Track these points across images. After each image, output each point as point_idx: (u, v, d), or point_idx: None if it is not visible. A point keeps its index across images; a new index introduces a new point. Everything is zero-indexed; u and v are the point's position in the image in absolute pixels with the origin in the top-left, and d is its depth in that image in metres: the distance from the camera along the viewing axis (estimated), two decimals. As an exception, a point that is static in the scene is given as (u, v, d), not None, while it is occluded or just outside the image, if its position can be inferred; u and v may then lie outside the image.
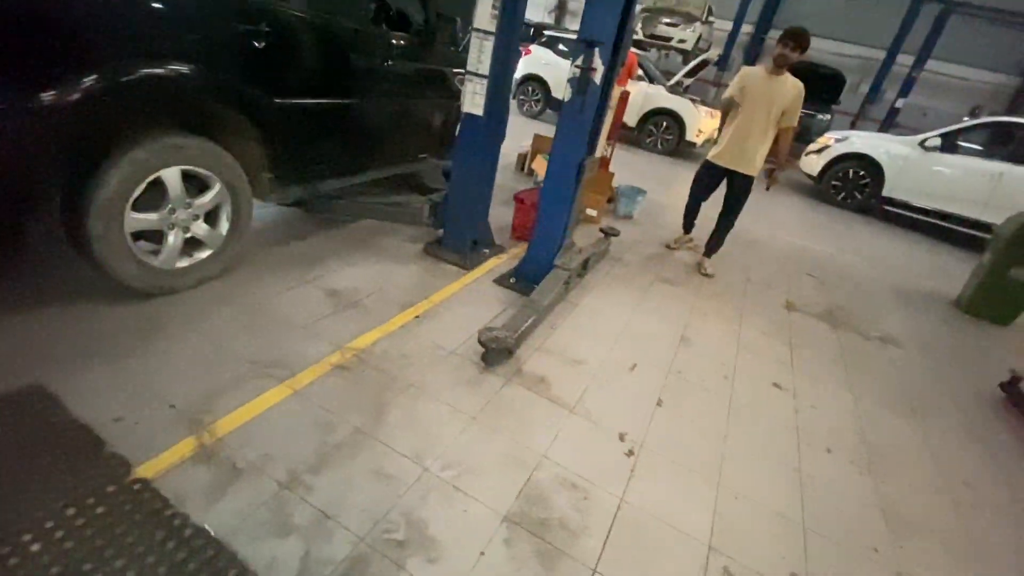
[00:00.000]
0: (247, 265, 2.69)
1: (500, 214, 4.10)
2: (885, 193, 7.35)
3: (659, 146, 9.15)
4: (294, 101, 2.56)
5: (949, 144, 6.98)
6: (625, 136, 8.72)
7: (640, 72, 8.75)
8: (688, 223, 4.49)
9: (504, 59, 2.89)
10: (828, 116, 10.82)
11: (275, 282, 2.64)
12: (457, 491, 1.69)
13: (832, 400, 2.79)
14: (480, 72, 2.86)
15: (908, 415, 2.82)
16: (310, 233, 3.30)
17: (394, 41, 3.30)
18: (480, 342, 2.27)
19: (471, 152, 3.09)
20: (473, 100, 2.96)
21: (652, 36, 11.80)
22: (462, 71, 2.99)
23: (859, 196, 7.66)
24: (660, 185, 6.41)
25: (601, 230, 4.08)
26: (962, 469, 2.46)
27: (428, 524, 1.55)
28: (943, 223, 7.13)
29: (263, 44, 2.27)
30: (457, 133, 3.09)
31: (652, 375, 2.61)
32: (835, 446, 2.40)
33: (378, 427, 1.88)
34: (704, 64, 9.43)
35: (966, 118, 7.41)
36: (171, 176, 2.10)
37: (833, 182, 7.81)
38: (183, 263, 2.32)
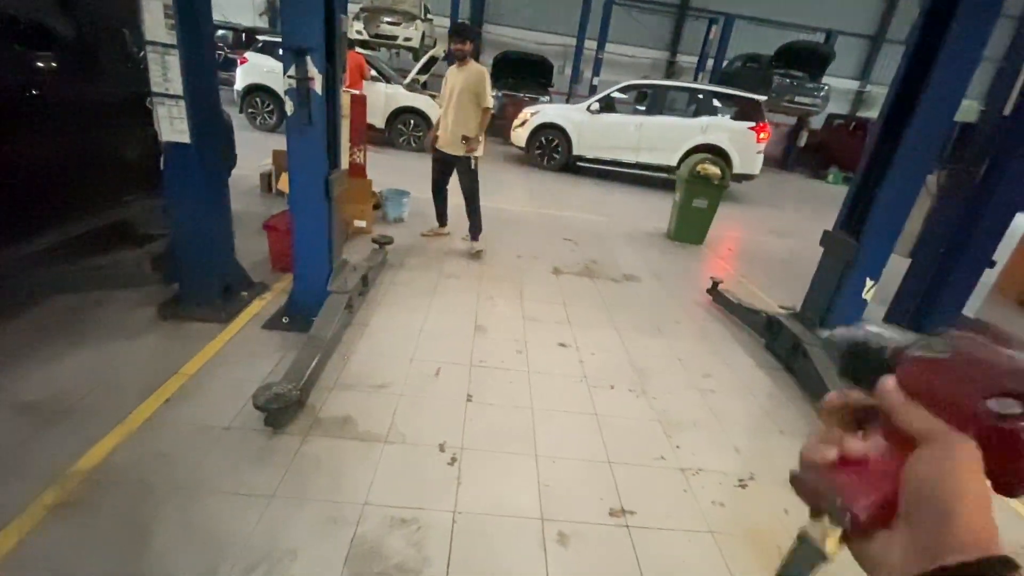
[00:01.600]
0: None
1: (253, 246, 3.61)
2: (575, 152, 8.96)
3: (412, 144, 9.25)
4: None
5: (606, 106, 8.84)
6: (376, 138, 8.57)
7: (374, 72, 8.65)
8: (440, 214, 4.77)
9: (199, 72, 2.47)
10: (548, 98, 12.42)
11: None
12: (270, 591, 1.43)
13: (604, 341, 3.24)
14: (171, 92, 2.39)
15: (656, 334, 3.46)
16: (-33, 335, 2.38)
17: (39, 64, 2.53)
18: (257, 407, 1.95)
19: (188, 185, 2.59)
20: (173, 126, 2.47)
21: (378, 36, 11.76)
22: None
23: (557, 157, 9.15)
24: (422, 181, 6.47)
25: (373, 240, 3.93)
26: (701, 364, 3.14)
27: (240, 650, 1.28)
28: (619, 169, 9.04)
29: None
30: (162, 166, 2.55)
31: (457, 374, 2.64)
32: (615, 381, 2.80)
33: (143, 561, 1.47)
34: (434, 60, 9.79)
35: (626, 83, 9.72)
36: None
37: (536, 150, 9.20)
38: None
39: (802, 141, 14.99)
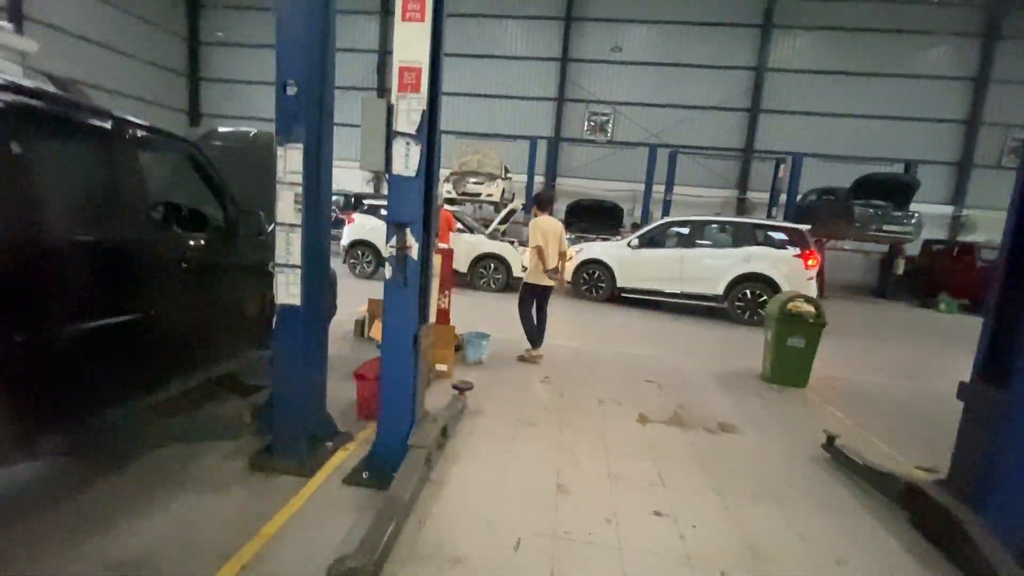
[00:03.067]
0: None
1: (342, 391, 3.75)
2: (619, 284, 9.48)
3: (492, 285, 9.81)
4: (43, 333, 2.07)
5: (646, 242, 9.44)
6: (459, 281, 9.18)
7: (460, 225, 9.63)
8: (534, 338, 5.50)
9: (315, 245, 2.83)
10: (619, 237, 13.00)
11: (31, 568, 1.89)
12: None
13: (706, 510, 2.83)
14: (291, 263, 2.73)
15: (767, 501, 2.98)
16: (88, 484, 2.54)
17: (191, 242, 3.04)
18: (330, 584, 1.83)
19: (294, 342, 2.82)
20: (288, 291, 2.77)
21: (464, 194, 13.42)
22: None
23: (601, 289, 9.65)
24: (502, 321, 6.68)
25: (454, 387, 3.96)
26: (830, 545, 2.61)
27: None
28: (660, 299, 9.34)
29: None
30: (274, 326, 2.82)
31: (538, 547, 2.37)
32: (727, 566, 2.36)
33: None
34: (512, 212, 10.84)
35: (660, 221, 10.36)
36: None
37: (581, 284, 9.79)
38: None
39: (899, 269, 14.13)
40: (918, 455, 3.72)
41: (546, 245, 5.31)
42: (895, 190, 12.86)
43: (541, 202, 5.68)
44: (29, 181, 2.28)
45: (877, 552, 2.59)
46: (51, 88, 2.31)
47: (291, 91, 2.64)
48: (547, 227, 5.36)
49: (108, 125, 2.45)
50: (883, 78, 16.42)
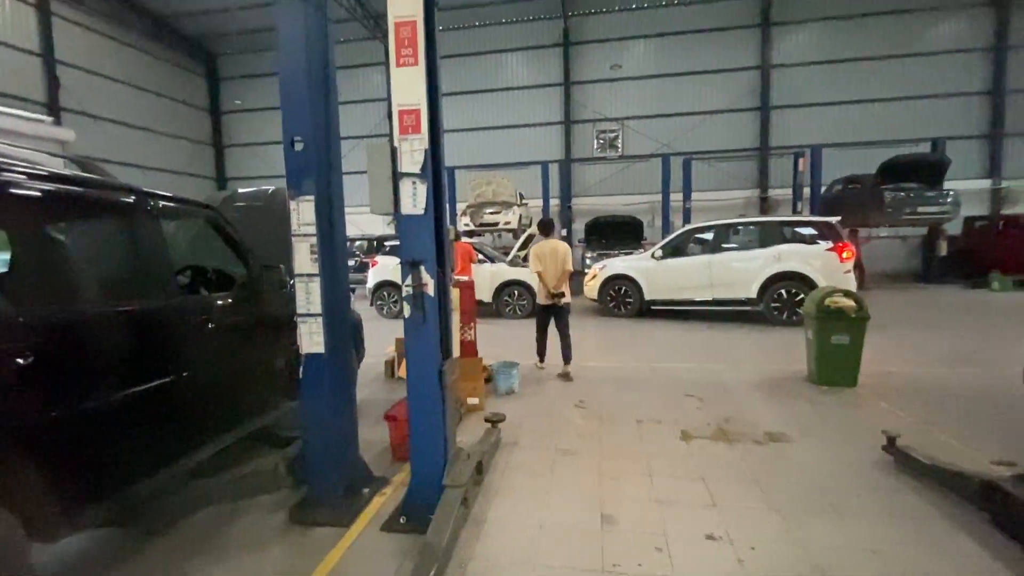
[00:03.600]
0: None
1: (375, 434, 3.74)
2: (647, 298, 9.22)
3: (518, 312, 9.77)
4: (80, 406, 2.13)
5: (670, 252, 9.19)
6: (485, 311, 9.17)
7: (480, 256, 9.70)
8: (541, 352, 5.97)
9: (335, 293, 2.87)
10: (641, 250, 12.83)
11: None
12: None
13: (763, 528, 2.65)
14: (312, 312, 2.77)
15: (830, 514, 2.78)
16: (132, 553, 2.57)
17: (218, 302, 3.13)
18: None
19: (321, 390, 2.83)
20: (311, 339, 2.80)
21: (482, 224, 13.59)
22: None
23: (629, 305, 9.41)
24: (531, 348, 6.60)
25: (486, 419, 3.89)
26: (908, 558, 2.39)
27: None
28: (691, 308, 9.09)
29: (30, 359, 1.91)
30: (301, 375, 2.84)
31: (587, 583, 2.26)
32: (793, 589, 2.19)
33: None
34: (531, 237, 10.88)
35: (681, 229, 10.12)
36: None
37: (608, 301, 9.58)
38: None
39: (942, 251, 13.49)
40: (992, 449, 3.43)
41: (544, 268, 5.61)
42: (925, 170, 12.40)
43: (541, 228, 6.18)
44: (63, 260, 2.40)
45: (959, 560, 2.36)
46: (76, 170, 2.44)
47: (299, 146, 2.73)
48: (544, 251, 5.68)
49: (131, 199, 2.57)
50: (896, 59, 16.04)
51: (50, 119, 9.18)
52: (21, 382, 1.89)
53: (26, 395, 1.91)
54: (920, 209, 12.15)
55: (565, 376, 5.60)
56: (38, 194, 2.12)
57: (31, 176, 2.09)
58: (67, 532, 2.12)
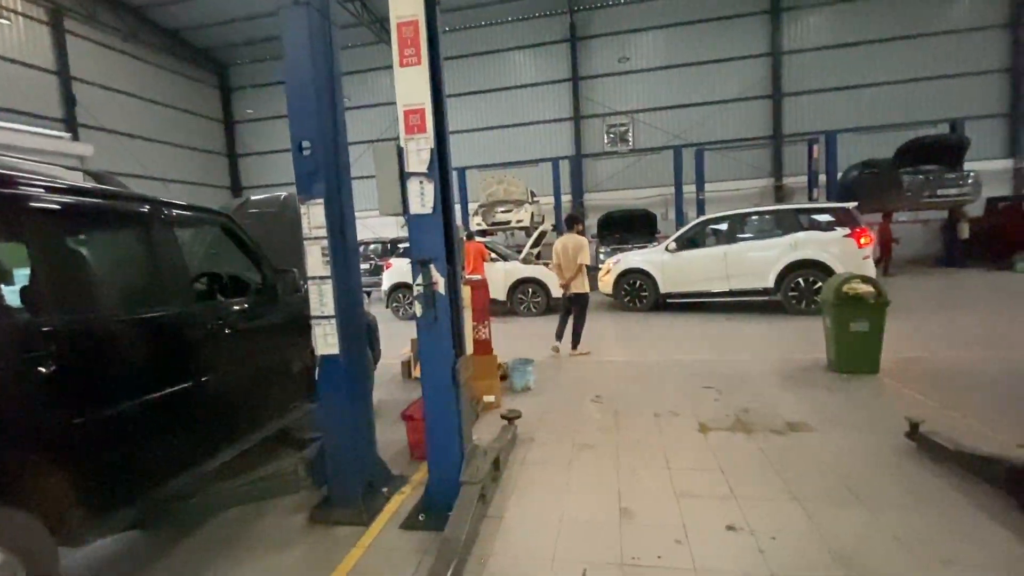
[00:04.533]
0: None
1: (393, 435, 3.78)
2: (663, 291, 9.15)
3: (532, 309, 9.77)
4: (103, 412, 2.18)
5: (685, 244, 9.11)
6: (500, 309, 9.19)
7: (493, 255, 9.71)
8: (560, 333, 6.53)
9: (348, 295, 2.89)
10: (655, 243, 12.73)
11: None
12: None
13: (785, 519, 2.61)
14: (325, 314, 2.80)
15: (853, 503, 2.73)
16: (158, 555, 2.63)
17: (235, 307, 3.19)
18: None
19: (337, 391, 2.86)
20: (326, 341, 2.84)
21: (495, 223, 13.60)
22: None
23: (644, 298, 9.33)
24: (547, 344, 6.60)
25: (502, 416, 3.90)
26: (932, 543, 2.34)
27: None
28: (708, 300, 9.01)
29: (52, 368, 1.97)
30: (316, 377, 2.88)
31: (606, 576, 2.25)
32: (816, 579, 2.16)
33: None
34: (543, 234, 10.87)
35: (695, 220, 9.90)
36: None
37: (623, 295, 9.50)
38: None
39: (964, 233, 13.15)
40: (1018, 434, 3.34)
41: (558, 263, 6.29)
42: (943, 152, 12.08)
43: (566, 222, 6.71)
44: (83, 270, 2.46)
45: (987, 547, 2.30)
46: (91, 183, 2.51)
47: (306, 150, 2.76)
48: (558, 247, 6.33)
49: (146, 209, 2.63)
50: (910, 40, 15.63)
51: (68, 135, 9.42)
52: (45, 390, 1.95)
53: (50, 403, 1.97)
54: (940, 192, 11.84)
55: (556, 352, 6.44)
56: (57, 206, 2.18)
57: (50, 189, 2.16)
58: (94, 536, 2.19)
